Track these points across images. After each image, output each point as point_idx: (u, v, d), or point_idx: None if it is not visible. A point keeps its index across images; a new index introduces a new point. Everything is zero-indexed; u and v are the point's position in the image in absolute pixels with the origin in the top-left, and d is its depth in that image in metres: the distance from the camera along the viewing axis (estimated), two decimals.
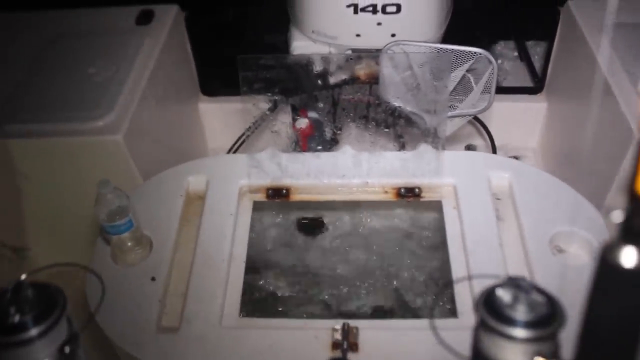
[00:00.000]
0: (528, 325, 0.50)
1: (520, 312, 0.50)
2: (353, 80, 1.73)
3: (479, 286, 1.18)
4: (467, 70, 1.56)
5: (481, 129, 1.95)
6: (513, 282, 0.52)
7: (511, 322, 0.50)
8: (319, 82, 1.71)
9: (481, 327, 0.52)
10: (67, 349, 0.56)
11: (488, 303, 0.52)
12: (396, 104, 1.59)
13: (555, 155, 2.02)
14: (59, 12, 1.97)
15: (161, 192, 1.48)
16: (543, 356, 0.48)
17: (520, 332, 0.50)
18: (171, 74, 1.96)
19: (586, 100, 1.82)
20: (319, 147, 1.63)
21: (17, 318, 0.53)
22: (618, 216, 0.34)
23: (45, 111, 1.63)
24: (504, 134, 2.08)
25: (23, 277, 0.56)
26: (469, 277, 1.25)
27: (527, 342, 0.50)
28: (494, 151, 1.96)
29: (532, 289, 0.52)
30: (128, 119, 1.61)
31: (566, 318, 0.51)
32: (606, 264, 0.34)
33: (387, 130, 1.68)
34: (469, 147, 2.11)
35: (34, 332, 0.53)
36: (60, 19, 1.96)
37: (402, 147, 1.79)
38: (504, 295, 0.52)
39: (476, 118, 1.88)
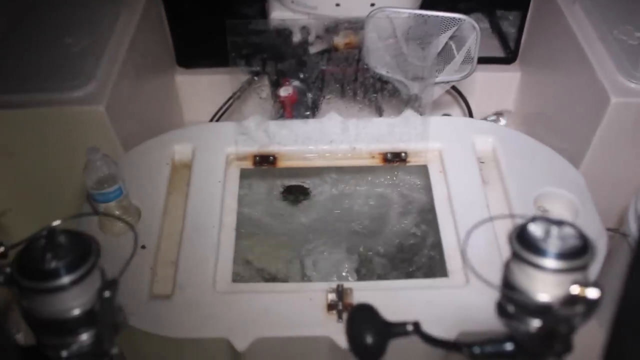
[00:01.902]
0: (562, 256, 0.52)
1: (554, 245, 0.52)
2: (333, 50, 1.73)
3: (469, 248, 1.22)
4: (449, 38, 1.58)
5: (458, 97, 1.98)
6: (544, 218, 0.53)
7: (545, 253, 0.52)
8: (301, 51, 1.71)
9: (515, 260, 0.54)
10: (106, 294, 0.56)
11: (521, 237, 0.53)
12: (380, 71, 1.60)
13: (530, 123, 2.06)
14: None
15: (147, 161, 1.47)
16: (579, 285, 0.50)
17: (554, 263, 0.51)
18: (148, 44, 1.93)
19: (561, 69, 1.86)
20: (307, 113, 1.63)
21: (53, 264, 0.53)
22: None
23: (23, 81, 1.58)
24: (479, 103, 2.11)
25: (55, 223, 0.56)
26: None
27: (562, 272, 0.52)
28: None
29: (563, 223, 0.53)
30: (109, 89, 1.58)
31: (597, 250, 0.53)
32: None
33: (370, 100, 1.69)
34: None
35: (72, 277, 0.53)
36: None
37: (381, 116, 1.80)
38: (537, 230, 0.54)
39: (453, 87, 1.90)
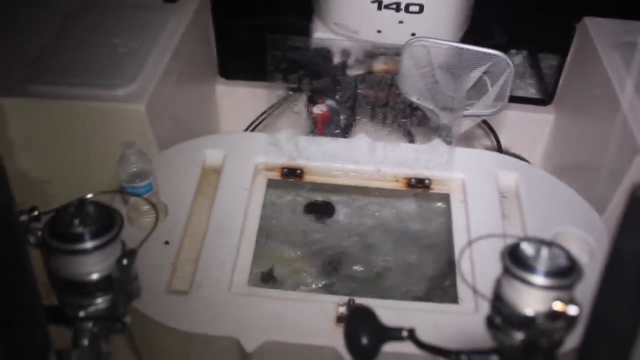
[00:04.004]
0: (549, 274, 0.55)
1: (543, 263, 0.55)
2: (370, 74, 1.78)
3: (480, 276, 1.24)
4: (484, 72, 1.62)
5: (489, 132, 2.00)
6: (535, 239, 0.56)
7: (534, 270, 0.55)
8: (338, 72, 1.76)
9: (505, 276, 0.57)
10: (125, 261, 0.60)
11: (513, 254, 0.57)
12: (413, 98, 1.64)
13: (559, 166, 2.07)
14: None
15: (179, 162, 1.53)
16: (562, 302, 0.53)
17: (541, 280, 0.54)
18: (193, 53, 2.00)
19: (595, 115, 1.88)
20: (337, 131, 1.68)
21: (80, 229, 0.58)
22: None
23: (69, 75, 1.66)
24: (511, 141, 2.13)
25: (89, 195, 0.61)
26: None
27: (547, 289, 0.55)
28: None
29: (553, 245, 0.57)
30: (150, 90, 1.65)
31: (583, 272, 0.56)
32: (635, 200, 0.38)
33: (399, 125, 1.73)
34: None
35: (95, 242, 0.58)
36: None
37: (411, 142, 1.84)
38: (528, 248, 0.57)
39: (485, 121, 1.93)
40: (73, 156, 1.68)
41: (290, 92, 1.65)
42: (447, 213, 1.48)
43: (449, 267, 1.42)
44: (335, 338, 1.16)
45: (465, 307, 1.25)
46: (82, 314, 0.60)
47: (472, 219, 1.41)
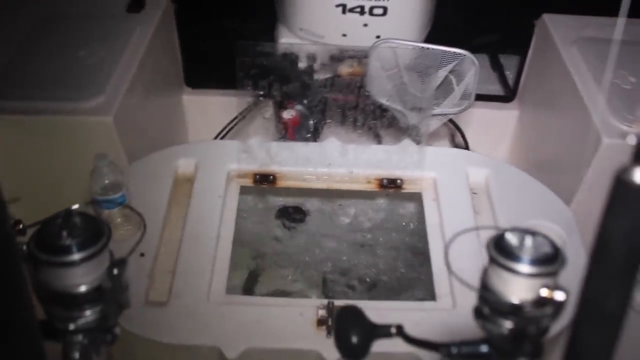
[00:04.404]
0: (534, 262, 0.56)
1: (527, 252, 0.57)
2: (337, 77, 1.79)
3: (457, 271, 1.26)
4: (449, 72, 1.64)
5: (455, 130, 2.03)
6: (519, 229, 0.58)
7: (520, 259, 0.57)
8: (306, 76, 1.76)
9: (491, 266, 0.58)
10: (115, 271, 0.60)
11: (498, 245, 0.58)
12: (381, 99, 1.65)
13: (525, 160, 2.11)
14: None
15: (150, 173, 1.52)
16: (548, 288, 0.55)
17: (527, 268, 0.56)
18: (159, 63, 1.99)
19: (557, 108, 1.92)
20: (309, 136, 1.69)
21: (68, 241, 0.58)
22: (632, 139, 0.39)
23: (35, 89, 1.64)
24: (476, 138, 2.16)
25: (75, 206, 0.60)
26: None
27: (533, 277, 0.56)
28: None
29: (536, 234, 0.58)
30: (118, 102, 1.64)
31: (566, 259, 0.57)
32: (620, 182, 0.40)
33: (370, 127, 1.74)
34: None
35: (85, 253, 0.58)
36: (52, 2, 1.97)
37: (379, 143, 1.85)
38: (512, 238, 0.58)
39: (451, 120, 1.96)
40: (42, 171, 1.66)
41: (260, 99, 1.66)
42: (420, 211, 1.50)
43: (424, 265, 1.43)
44: (317, 341, 1.17)
45: (443, 304, 1.27)
46: (72, 326, 0.60)
47: (444, 217, 1.43)
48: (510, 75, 2.34)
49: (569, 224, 1.42)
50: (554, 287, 0.56)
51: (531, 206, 1.46)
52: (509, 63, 2.40)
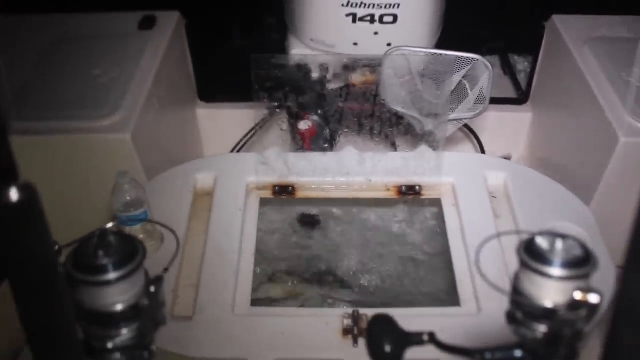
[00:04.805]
0: (566, 265, 0.57)
1: (559, 255, 0.57)
2: (351, 87, 1.80)
3: (480, 278, 1.26)
4: (463, 77, 1.64)
5: (471, 135, 2.03)
6: (550, 232, 0.58)
7: (552, 263, 0.57)
8: (319, 87, 1.77)
9: (523, 270, 0.58)
10: (152, 288, 0.61)
11: (529, 249, 0.58)
12: (396, 107, 1.66)
13: (540, 162, 2.11)
14: (63, 16, 2.01)
15: (170, 188, 1.53)
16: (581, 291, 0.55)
17: (559, 272, 0.56)
18: (172, 78, 2.01)
19: (572, 109, 1.92)
20: (326, 145, 1.69)
21: (105, 260, 0.58)
22: None
23: (52, 109, 1.66)
24: (491, 142, 2.16)
25: (109, 225, 0.61)
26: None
27: (566, 280, 0.56)
28: None
29: (566, 237, 0.58)
30: (135, 119, 1.65)
31: (598, 262, 0.58)
32: None
33: (386, 135, 1.75)
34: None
35: (121, 272, 0.58)
36: (64, 23, 1.99)
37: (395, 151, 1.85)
38: (543, 242, 0.59)
39: (466, 125, 1.96)
40: (62, 190, 1.67)
41: (277, 110, 1.67)
42: (440, 217, 1.50)
43: (448, 271, 1.43)
44: (343, 351, 1.17)
45: (468, 309, 1.27)
46: (109, 345, 0.61)
47: (465, 221, 1.44)
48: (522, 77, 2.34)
49: (589, 224, 1.41)
50: (587, 290, 0.56)
51: (551, 208, 1.46)
52: (520, 65, 2.41)
